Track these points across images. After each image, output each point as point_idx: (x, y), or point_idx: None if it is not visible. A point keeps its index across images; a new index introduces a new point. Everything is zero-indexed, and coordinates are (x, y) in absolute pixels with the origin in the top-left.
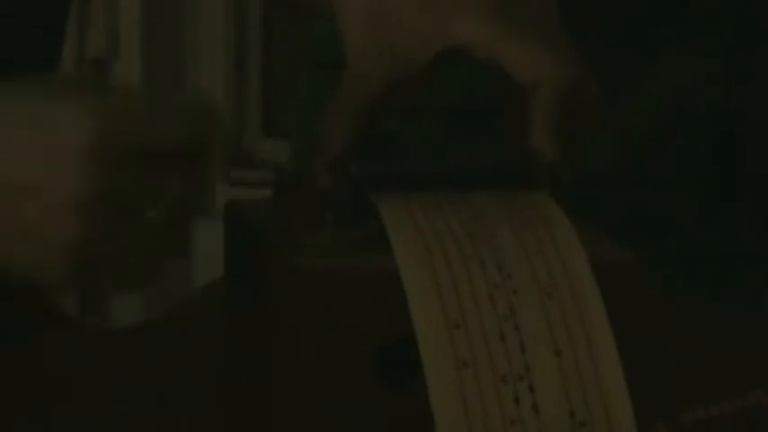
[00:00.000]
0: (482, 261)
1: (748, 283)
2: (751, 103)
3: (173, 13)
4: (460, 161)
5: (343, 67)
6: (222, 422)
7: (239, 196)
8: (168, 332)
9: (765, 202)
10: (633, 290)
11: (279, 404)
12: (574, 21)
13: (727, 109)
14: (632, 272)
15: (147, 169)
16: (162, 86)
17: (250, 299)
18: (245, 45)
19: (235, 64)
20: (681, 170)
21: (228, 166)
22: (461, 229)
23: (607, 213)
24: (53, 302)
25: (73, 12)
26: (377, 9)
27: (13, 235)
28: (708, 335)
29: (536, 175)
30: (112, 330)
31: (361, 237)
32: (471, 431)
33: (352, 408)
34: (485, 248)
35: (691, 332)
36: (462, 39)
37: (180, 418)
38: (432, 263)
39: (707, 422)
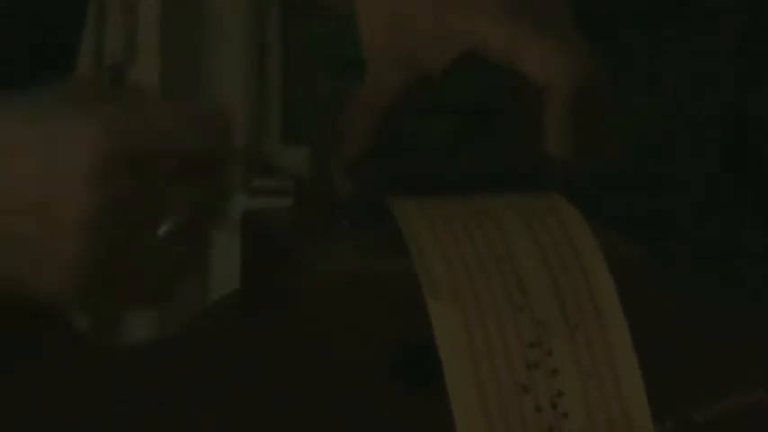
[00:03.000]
0: (500, 263)
1: (751, 281)
2: (755, 103)
3: (191, 18)
4: (475, 163)
5: (363, 73)
6: None
7: (258, 205)
8: (184, 344)
9: (767, 200)
10: (645, 287)
11: (297, 412)
12: (580, 21)
13: (732, 108)
14: (644, 269)
15: (161, 181)
16: (180, 93)
17: (267, 307)
18: (264, 52)
19: (254, 71)
20: (684, 169)
21: (250, 175)
22: (478, 231)
23: (612, 212)
24: (65, 317)
25: (90, 16)
26: (396, 13)
27: (21, 253)
28: (713, 332)
29: (550, 175)
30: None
31: (379, 241)
32: None
33: (372, 412)
34: (502, 251)
35: (696, 329)
36: (479, 41)
37: (196, 430)
38: (450, 267)
39: (714, 419)
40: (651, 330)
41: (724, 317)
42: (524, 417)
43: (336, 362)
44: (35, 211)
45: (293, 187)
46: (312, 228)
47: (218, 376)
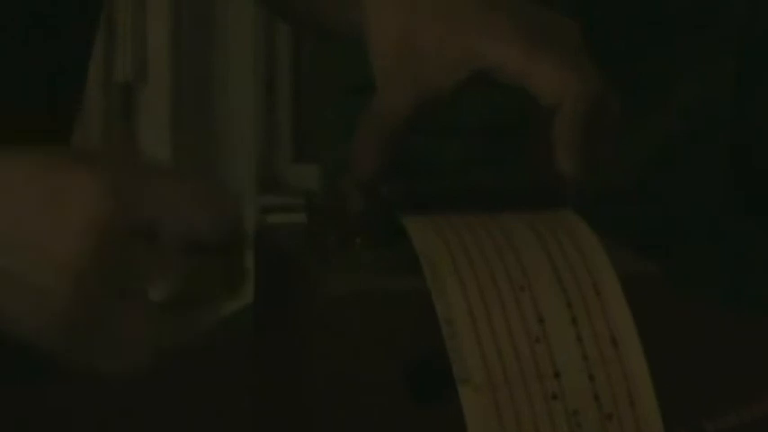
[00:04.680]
0: (513, 282)
1: (762, 293)
2: (765, 115)
3: (201, 37)
4: (488, 182)
5: (373, 92)
6: None
7: (270, 222)
8: (197, 360)
9: None
10: (658, 302)
11: (311, 429)
12: (590, 39)
13: (742, 121)
14: (657, 284)
15: (157, 250)
16: (191, 111)
17: (280, 323)
18: (274, 70)
19: (265, 89)
20: (697, 182)
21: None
22: (492, 249)
23: (622, 228)
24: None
25: (100, 36)
26: (405, 34)
27: (7, 287)
28: (725, 344)
29: (562, 194)
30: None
31: (392, 259)
32: None
33: (385, 429)
34: (514, 267)
35: (708, 341)
36: (489, 62)
37: None
38: (463, 285)
39: (727, 430)
40: (664, 343)
41: (736, 329)
42: (532, 406)
43: (349, 378)
44: (29, 250)
45: (305, 205)
46: (324, 245)
47: (231, 392)
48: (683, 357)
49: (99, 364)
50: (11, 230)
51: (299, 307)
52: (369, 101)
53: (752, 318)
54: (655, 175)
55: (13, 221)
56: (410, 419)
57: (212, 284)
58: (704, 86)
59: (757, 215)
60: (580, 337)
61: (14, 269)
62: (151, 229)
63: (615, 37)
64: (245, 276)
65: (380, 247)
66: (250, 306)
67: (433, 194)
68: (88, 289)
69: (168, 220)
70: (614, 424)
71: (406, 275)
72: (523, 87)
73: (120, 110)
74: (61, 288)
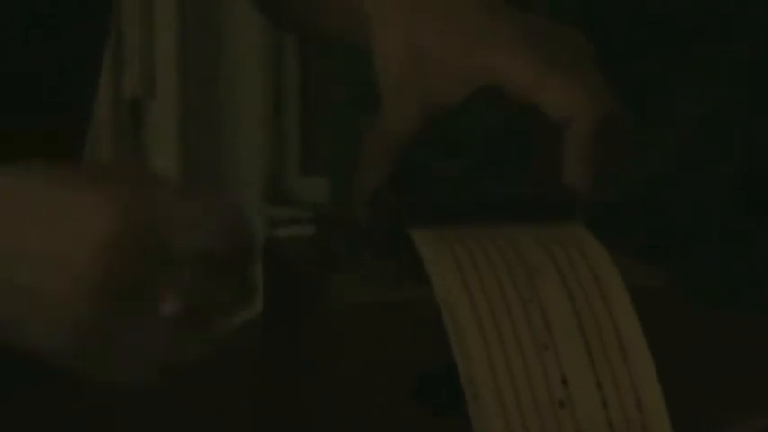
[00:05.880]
0: (521, 294)
1: None
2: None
3: (209, 52)
4: (496, 194)
5: (380, 106)
6: None
7: (278, 235)
8: (205, 370)
9: None
10: (667, 316)
11: (312, 429)
12: (604, 54)
13: (752, 133)
14: (666, 296)
15: (169, 266)
16: (199, 126)
17: (289, 334)
18: (282, 84)
19: (273, 103)
20: (707, 192)
21: (265, 205)
22: (500, 261)
23: (631, 240)
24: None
25: (108, 52)
26: (411, 48)
27: (22, 300)
28: (733, 355)
29: (571, 207)
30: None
31: (400, 270)
32: None
33: (386, 429)
34: (523, 280)
35: (717, 353)
36: (497, 77)
37: None
38: (470, 296)
39: None
40: (673, 355)
41: (745, 340)
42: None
43: (357, 389)
44: (44, 265)
45: (313, 217)
46: (333, 257)
47: (239, 403)
48: (684, 359)
49: (109, 376)
50: (27, 245)
51: (308, 317)
52: (375, 115)
53: (752, 318)
54: (662, 187)
55: (30, 237)
56: (410, 420)
57: (223, 298)
58: (709, 96)
59: (757, 215)
60: (588, 345)
61: (30, 283)
62: (164, 244)
63: (615, 37)
64: (256, 290)
65: (388, 260)
66: (259, 316)
67: (441, 207)
68: (102, 303)
69: (181, 235)
70: None
71: (414, 287)
72: (533, 101)
73: (129, 125)
74: (76, 302)
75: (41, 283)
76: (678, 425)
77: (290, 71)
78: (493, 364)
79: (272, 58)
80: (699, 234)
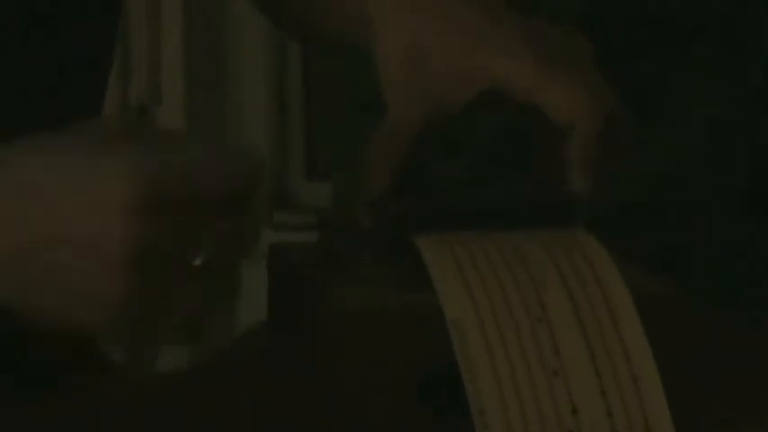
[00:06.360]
0: (524, 298)
1: None
2: None
3: (214, 59)
4: (498, 199)
5: (384, 110)
6: None
7: (282, 240)
8: (212, 375)
9: None
10: (672, 323)
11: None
12: (605, 55)
13: (752, 133)
14: (670, 305)
15: (192, 217)
16: (204, 132)
17: (294, 339)
18: (286, 89)
19: (276, 108)
20: (707, 192)
21: (270, 209)
22: (503, 266)
23: (636, 245)
24: (95, 346)
25: (115, 59)
26: (414, 52)
27: (54, 282)
28: (739, 363)
29: (574, 211)
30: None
31: (402, 275)
32: None
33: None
34: (526, 284)
35: (721, 361)
36: (499, 80)
37: None
38: (473, 301)
39: None
40: (677, 364)
41: (745, 340)
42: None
43: (363, 394)
44: (72, 244)
45: (317, 222)
46: (337, 261)
47: (245, 407)
48: (685, 360)
49: (162, 340)
50: (50, 228)
51: (313, 321)
52: (379, 118)
53: (752, 318)
54: (670, 191)
55: (51, 217)
56: (411, 421)
57: (237, 243)
58: (718, 99)
59: (758, 215)
60: (594, 356)
61: (60, 264)
62: (180, 197)
63: (615, 37)
64: (261, 232)
65: (391, 264)
66: (264, 320)
67: (445, 210)
68: (137, 268)
69: (197, 183)
70: None
71: (417, 291)
72: (535, 104)
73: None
74: (110, 273)
75: (73, 261)
76: (678, 425)
77: (294, 76)
78: (502, 391)
79: (276, 63)
80: (699, 234)
